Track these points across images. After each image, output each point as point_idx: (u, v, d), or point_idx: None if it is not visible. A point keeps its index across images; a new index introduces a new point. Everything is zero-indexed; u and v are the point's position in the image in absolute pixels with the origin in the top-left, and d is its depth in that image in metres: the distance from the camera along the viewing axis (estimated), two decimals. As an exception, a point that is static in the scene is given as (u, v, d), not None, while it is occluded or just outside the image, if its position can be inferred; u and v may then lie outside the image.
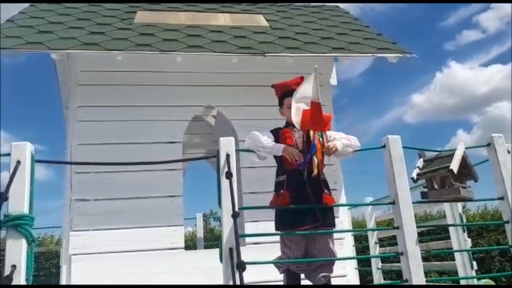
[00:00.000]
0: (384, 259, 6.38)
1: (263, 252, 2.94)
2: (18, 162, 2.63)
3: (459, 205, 4.43)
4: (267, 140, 3.07)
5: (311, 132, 3.03)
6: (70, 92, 4.65)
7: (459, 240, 4.30)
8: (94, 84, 4.46)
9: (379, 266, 6.26)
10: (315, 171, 2.97)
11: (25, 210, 2.55)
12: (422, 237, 6.99)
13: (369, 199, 6.33)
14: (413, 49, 4.90)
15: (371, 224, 6.47)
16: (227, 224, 2.65)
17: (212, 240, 9.86)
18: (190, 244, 9.03)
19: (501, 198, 3.16)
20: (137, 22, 5.00)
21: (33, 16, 4.96)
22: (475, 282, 4.20)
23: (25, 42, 4.09)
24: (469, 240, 4.40)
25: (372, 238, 6.39)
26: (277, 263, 3.10)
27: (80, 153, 4.22)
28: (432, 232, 7.64)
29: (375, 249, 6.29)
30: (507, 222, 3.12)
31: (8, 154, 2.66)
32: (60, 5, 5.52)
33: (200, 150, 7.11)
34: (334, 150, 2.99)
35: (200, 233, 7.82)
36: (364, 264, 6.91)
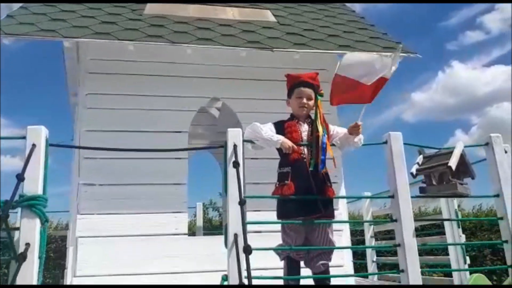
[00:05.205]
0: (379, 253, 6.55)
1: (264, 240, 3.05)
2: (34, 145, 2.73)
3: (455, 201, 4.57)
4: (267, 131, 3.17)
5: (319, 126, 3.14)
6: (79, 79, 4.73)
7: (454, 235, 4.44)
8: (104, 73, 4.56)
9: (374, 259, 6.43)
10: (321, 165, 3.09)
11: (39, 191, 2.65)
12: (417, 232, 7.13)
13: (367, 194, 6.47)
14: (415, 48, 5.00)
15: (368, 218, 6.63)
16: (234, 211, 2.76)
17: (210, 229, 9.99)
18: (189, 232, 9.15)
19: (497, 196, 3.29)
20: (147, 14, 5.09)
21: (46, 4, 5.03)
22: (467, 275, 4.34)
23: (38, 29, 4.18)
24: (463, 236, 4.54)
25: (368, 232, 6.55)
26: (278, 250, 3.23)
27: (88, 139, 4.31)
28: (427, 228, 7.78)
29: (371, 243, 6.45)
30: (501, 218, 3.26)
31: (24, 137, 2.77)
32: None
33: (203, 140, 7.23)
34: (358, 129, 3.12)
35: (199, 222, 7.97)
36: (359, 257, 7.05)
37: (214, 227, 10.34)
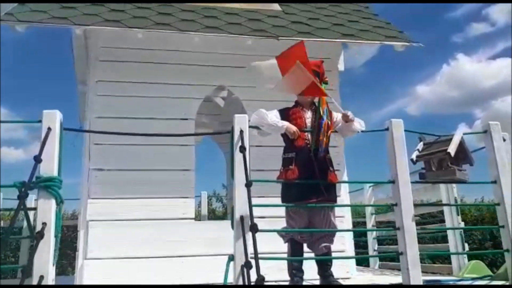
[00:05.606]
0: (380, 243, 6.67)
1: (268, 225, 3.14)
2: (49, 129, 2.84)
3: (455, 190, 4.67)
4: (273, 118, 3.30)
5: (321, 113, 3.25)
6: (89, 67, 4.83)
7: (453, 223, 4.55)
8: (114, 60, 4.66)
9: (375, 249, 6.56)
10: (321, 149, 3.21)
11: (55, 173, 2.77)
12: (417, 222, 7.24)
13: (368, 185, 6.61)
14: (420, 39, 5.06)
15: (369, 208, 6.76)
16: (240, 193, 2.87)
17: (214, 219, 10.14)
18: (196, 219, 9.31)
19: (494, 182, 3.40)
20: (155, 1, 5.15)
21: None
22: (466, 261, 4.46)
23: (50, 16, 4.27)
24: (462, 223, 4.65)
25: (370, 222, 6.68)
26: (282, 233, 3.36)
27: (99, 125, 4.40)
28: (427, 218, 7.89)
29: (372, 233, 6.57)
30: (498, 204, 3.36)
31: (40, 121, 2.88)
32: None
33: (208, 130, 7.31)
34: (351, 118, 3.24)
35: (204, 211, 8.13)
36: (360, 247, 7.15)
37: (217, 217, 10.49)
